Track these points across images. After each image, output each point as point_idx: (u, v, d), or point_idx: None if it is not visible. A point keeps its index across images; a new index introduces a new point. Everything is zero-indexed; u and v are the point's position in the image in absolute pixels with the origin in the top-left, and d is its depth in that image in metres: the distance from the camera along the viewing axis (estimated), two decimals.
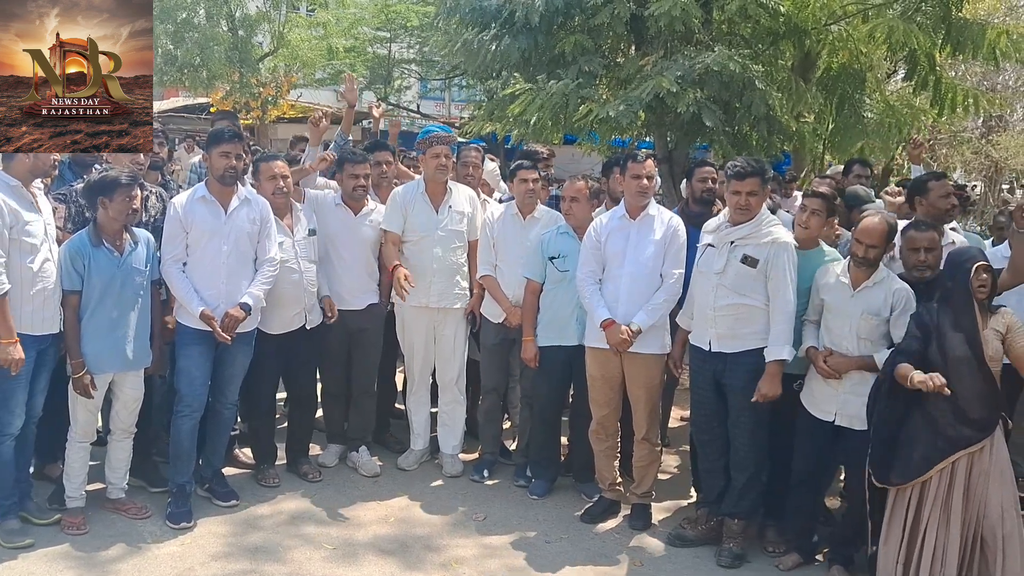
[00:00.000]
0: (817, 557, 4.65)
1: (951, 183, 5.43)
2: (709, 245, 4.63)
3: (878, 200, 5.82)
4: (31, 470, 4.78)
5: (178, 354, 4.84)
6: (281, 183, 5.10)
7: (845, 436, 4.36)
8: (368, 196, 5.59)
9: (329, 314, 5.34)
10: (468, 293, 5.56)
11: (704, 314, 4.60)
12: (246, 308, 4.80)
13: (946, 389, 3.82)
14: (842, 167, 7.86)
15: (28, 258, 4.30)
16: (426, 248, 5.40)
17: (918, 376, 3.88)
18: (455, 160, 5.92)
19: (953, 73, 11.86)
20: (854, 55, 8.86)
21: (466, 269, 5.53)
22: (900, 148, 12.42)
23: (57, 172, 4.98)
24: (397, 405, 6.30)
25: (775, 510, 4.75)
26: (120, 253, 4.52)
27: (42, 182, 4.62)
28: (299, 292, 5.18)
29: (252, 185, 5.23)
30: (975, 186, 18.40)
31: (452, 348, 5.56)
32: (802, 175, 10.27)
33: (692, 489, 5.36)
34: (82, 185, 4.91)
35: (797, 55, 8.83)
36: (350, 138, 6.17)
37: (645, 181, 4.81)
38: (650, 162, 4.87)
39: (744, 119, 7.73)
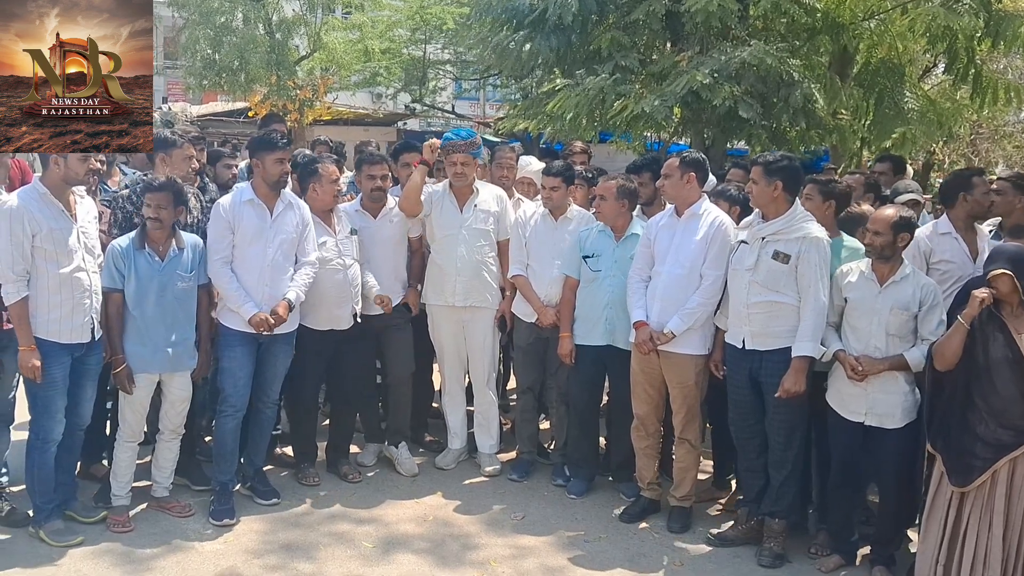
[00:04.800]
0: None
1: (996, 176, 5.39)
2: (742, 242, 4.60)
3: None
4: (76, 471, 4.86)
5: (221, 355, 4.89)
6: (340, 187, 5.19)
7: (876, 436, 4.31)
8: (388, 195, 5.60)
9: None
10: (499, 293, 5.56)
11: (738, 312, 4.58)
12: (291, 305, 4.87)
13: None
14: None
15: (54, 266, 4.26)
16: (450, 247, 5.41)
17: (977, 297, 3.83)
18: (489, 162, 5.93)
19: (994, 67, 11.67)
20: (892, 49, 8.76)
21: (494, 268, 5.52)
22: (941, 143, 12.23)
23: (97, 180, 5.00)
24: (434, 404, 6.33)
25: (823, 513, 4.74)
26: (162, 258, 4.58)
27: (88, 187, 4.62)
28: (345, 290, 5.20)
29: (308, 189, 5.29)
30: None
31: (482, 349, 5.57)
32: (839, 170, 10.18)
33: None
34: (128, 190, 5.00)
35: (834, 50, 8.75)
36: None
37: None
38: (670, 161, 4.88)
39: (782, 113, 7.67)
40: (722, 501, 5.28)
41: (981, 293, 3.81)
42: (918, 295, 4.24)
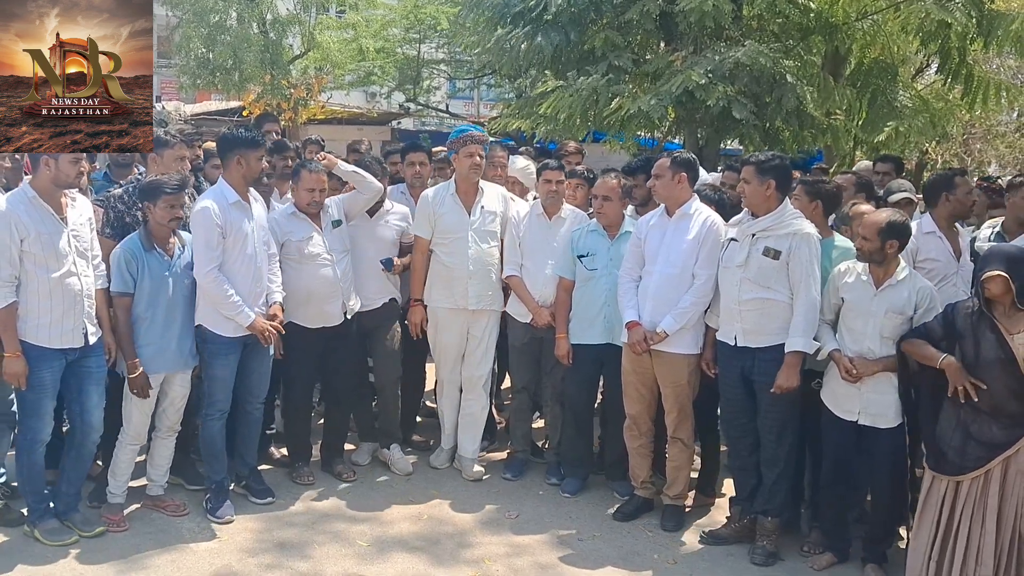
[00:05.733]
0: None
1: (984, 176, 5.44)
2: (732, 239, 4.62)
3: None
4: (83, 482, 4.73)
5: (213, 363, 4.81)
6: (318, 197, 5.14)
7: (870, 435, 4.33)
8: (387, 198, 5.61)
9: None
10: (503, 294, 5.54)
11: (729, 309, 4.60)
12: (283, 307, 4.96)
13: (973, 396, 3.86)
14: (870, 163, 7.82)
15: (43, 271, 4.20)
16: (460, 250, 5.36)
17: (952, 376, 3.90)
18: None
19: (987, 67, 11.72)
20: (885, 49, 8.79)
21: (498, 270, 5.52)
22: (934, 143, 12.23)
23: (87, 182, 4.96)
24: (429, 404, 6.32)
25: (816, 511, 4.76)
26: (170, 256, 4.59)
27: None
28: (335, 285, 5.20)
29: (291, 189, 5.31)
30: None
31: (484, 349, 5.55)
32: (831, 170, 10.21)
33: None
34: (121, 190, 4.98)
35: (828, 50, 8.78)
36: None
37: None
38: (661, 161, 4.88)
39: (775, 114, 7.70)
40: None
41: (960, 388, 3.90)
42: (913, 298, 4.24)
